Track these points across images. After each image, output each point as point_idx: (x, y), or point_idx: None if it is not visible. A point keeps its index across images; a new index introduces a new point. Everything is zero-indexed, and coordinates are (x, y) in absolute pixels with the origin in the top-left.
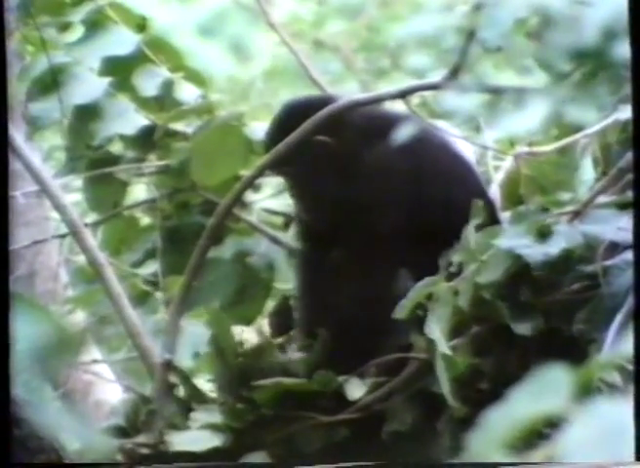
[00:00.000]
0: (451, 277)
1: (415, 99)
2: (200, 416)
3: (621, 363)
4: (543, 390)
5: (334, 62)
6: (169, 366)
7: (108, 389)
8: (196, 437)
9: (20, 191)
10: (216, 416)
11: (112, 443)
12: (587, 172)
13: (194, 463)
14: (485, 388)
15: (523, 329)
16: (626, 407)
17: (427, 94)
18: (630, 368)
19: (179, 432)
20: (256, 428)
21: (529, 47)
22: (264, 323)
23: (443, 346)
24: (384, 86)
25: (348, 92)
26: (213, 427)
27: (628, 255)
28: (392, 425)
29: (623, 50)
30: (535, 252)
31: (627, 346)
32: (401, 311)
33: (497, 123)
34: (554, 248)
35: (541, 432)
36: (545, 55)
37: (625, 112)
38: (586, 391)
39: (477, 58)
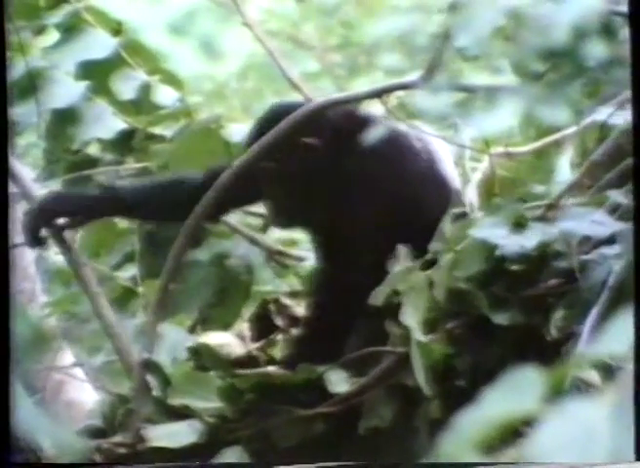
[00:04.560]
0: (427, 266)
1: (392, 100)
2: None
3: (600, 359)
4: (516, 391)
5: (309, 60)
6: (147, 365)
7: (79, 389)
8: (173, 432)
9: None
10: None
11: (86, 443)
12: (564, 173)
13: (177, 463)
14: (461, 383)
15: (500, 318)
16: (601, 406)
17: (404, 94)
18: (612, 363)
19: (155, 427)
20: (232, 422)
21: (503, 48)
22: (245, 327)
23: (418, 334)
24: (359, 84)
25: (323, 90)
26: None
27: (604, 250)
28: (371, 421)
29: (595, 50)
30: (510, 242)
31: (608, 341)
32: (377, 298)
33: (470, 122)
34: (530, 240)
35: (514, 432)
36: (518, 55)
37: (602, 114)
38: (560, 391)
39: (452, 58)
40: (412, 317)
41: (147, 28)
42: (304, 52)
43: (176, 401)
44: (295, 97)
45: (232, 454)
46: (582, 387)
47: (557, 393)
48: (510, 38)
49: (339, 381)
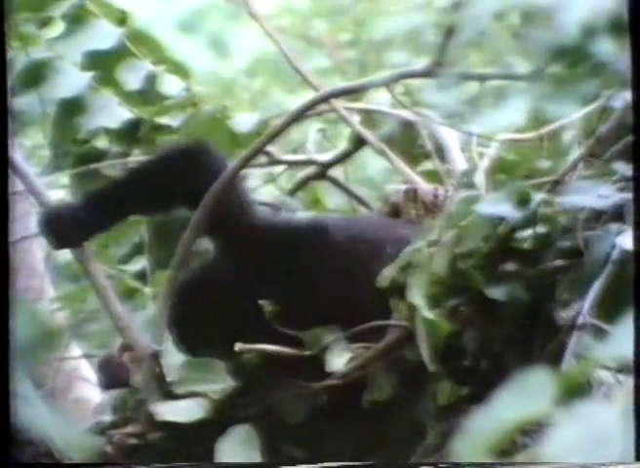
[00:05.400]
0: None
1: (399, 89)
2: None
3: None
4: (528, 393)
5: (319, 57)
6: (157, 357)
7: (88, 386)
8: (181, 407)
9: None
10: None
11: (96, 439)
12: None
13: (192, 463)
14: (467, 363)
15: (497, 293)
16: (613, 408)
17: (412, 84)
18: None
19: (164, 403)
20: (239, 398)
21: (510, 43)
22: None
23: (425, 311)
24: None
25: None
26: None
27: (609, 224)
28: (373, 393)
29: (604, 46)
30: (514, 214)
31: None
32: (384, 279)
33: (478, 119)
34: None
35: (526, 435)
36: (527, 51)
37: (608, 98)
38: (571, 393)
39: (460, 54)
40: (418, 294)
41: (156, 26)
42: (315, 49)
43: (182, 388)
44: (304, 92)
45: (241, 430)
46: (597, 387)
47: (569, 395)
48: (518, 34)
49: (341, 356)
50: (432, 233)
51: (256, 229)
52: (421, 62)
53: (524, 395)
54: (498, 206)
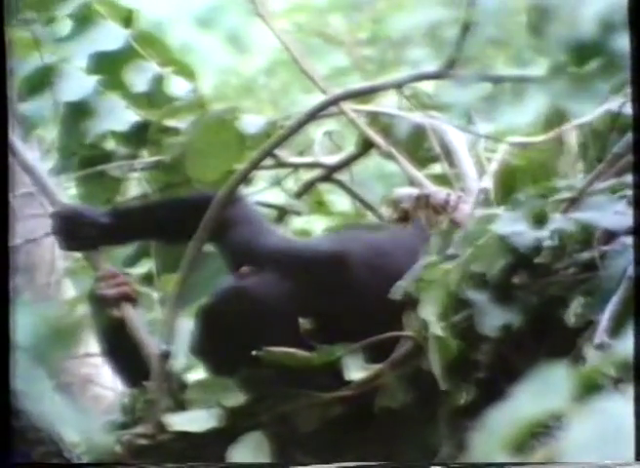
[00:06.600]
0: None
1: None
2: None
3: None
4: (545, 389)
5: (338, 55)
6: (166, 357)
7: (107, 384)
8: (194, 417)
9: (18, 191)
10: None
11: (111, 436)
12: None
13: (200, 462)
14: (481, 375)
15: (489, 327)
16: (627, 405)
17: (420, 86)
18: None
19: (176, 413)
20: (251, 406)
21: (528, 40)
22: None
23: (436, 328)
24: (389, 79)
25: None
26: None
27: (625, 240)
28: (385, 401)
29: (622, 42)
30: (528, 237)
31: (627, 340)
32: (398, 292)
33: (494, 116)
34: (548, 233)
35: (543, 431)
36: (543, 47)
37: (616, 102)
38: (588, 390)
39: (477, 51)
40: (430, 311)
41: (174, 22)
42: (333, 47)
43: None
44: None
45: (253, 439)
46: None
47: (586, 391)
48: (536, 30)
49: (356, 367)
50: (448, 250)
51: (272, 256)
52: (435, 63)
53: (541, 391)
54: (514, 225)
